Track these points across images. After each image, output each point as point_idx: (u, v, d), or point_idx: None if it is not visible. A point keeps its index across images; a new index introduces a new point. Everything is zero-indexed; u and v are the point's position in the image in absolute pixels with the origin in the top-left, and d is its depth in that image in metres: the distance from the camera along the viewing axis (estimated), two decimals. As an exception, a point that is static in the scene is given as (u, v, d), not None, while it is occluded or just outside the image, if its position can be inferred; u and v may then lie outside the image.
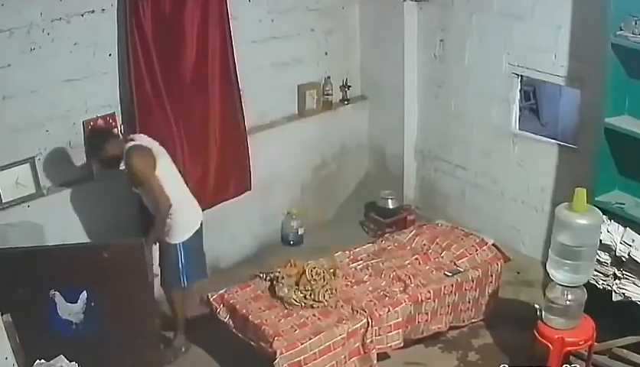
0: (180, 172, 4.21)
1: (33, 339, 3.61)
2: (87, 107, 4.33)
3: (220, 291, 4.16)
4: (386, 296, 4.10)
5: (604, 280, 4.19)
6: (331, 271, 4.25)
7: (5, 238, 3.87)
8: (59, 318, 3.69)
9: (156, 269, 4.10)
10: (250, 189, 5.14)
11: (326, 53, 5.63)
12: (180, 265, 4.11)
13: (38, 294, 3.65)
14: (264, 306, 4.03)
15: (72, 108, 4.27)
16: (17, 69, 3.98)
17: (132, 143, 3.95)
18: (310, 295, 4.03)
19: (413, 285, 4.19)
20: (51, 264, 3.65)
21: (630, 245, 4.06)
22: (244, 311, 3.97)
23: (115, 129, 4.43)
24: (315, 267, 4.19)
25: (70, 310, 3.68)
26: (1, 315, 3.45)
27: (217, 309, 4.10)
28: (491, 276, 4.45)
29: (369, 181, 6.04)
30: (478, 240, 4.60)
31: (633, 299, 4.07)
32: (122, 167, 3.98)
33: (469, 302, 4.38)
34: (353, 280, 4.27)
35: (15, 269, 3.63)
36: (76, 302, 3.67)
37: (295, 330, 3.80)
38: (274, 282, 4.15)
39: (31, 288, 3.63)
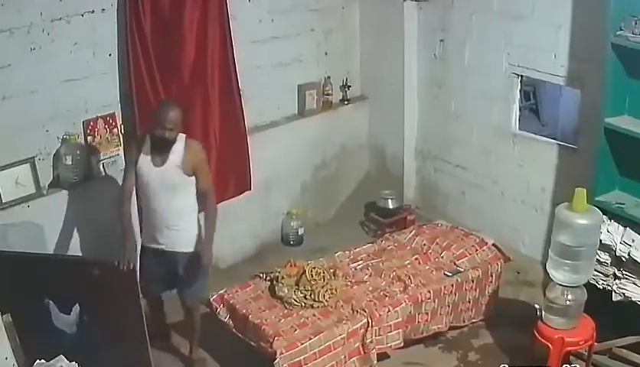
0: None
1: (33, 339, 3.60)
2: (87, 107, 4.34)
3: (220, 291, 4.17)
4: (386, 296, 4.10)
5: (604, 280, 4.19)
6: (331, 271, 4.26)
7: (5, 238, 3.87)
8: (54, 326, 3.67)
9: None
10: (250, 189, 5.14)
11: (326, 53, 5.64)
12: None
13: (35, 300, 3.63)
14: (264, 306, 4.03)
15: (72, 108, 4.27)
16: (18, 69, 3.98)
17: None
18: (310, 295, 4.03)
19: (413, 285, 4.19)
20: (46, 272, 3.62)
21: (630, 245, 4.05)
22: (244, 311, 3.98)
23: (115, 129, 4.45)
24: (315, 267, 4.19)
25: (64, 321, 3.65)
26: (1, 315, 3.45)
27: (217, 309, 4.10)
28: (491, 276, 4.45)
29: (369, 181, 6.04)
30: (478, 240, 4.60)
31: (633, 299, 4.07)
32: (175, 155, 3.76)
33: (469, 302, 4.38)
34: (353, 280, 4.27)
35: (13, 272, 3.62)
36: (70, 313, 3.65)
37: (295, 330, 3.80)
38: (274, 282, 4.15)
39: (29, 293, 3.62)
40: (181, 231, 3.87)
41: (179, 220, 3.86)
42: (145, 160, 3.77)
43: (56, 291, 3.64)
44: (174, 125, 3.68)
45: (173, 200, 3.81)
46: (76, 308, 3.64)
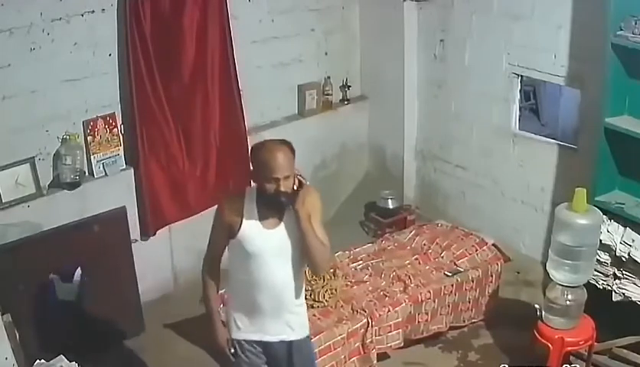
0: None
1: (33, 339, 3.62)
2: (87, 107, 4.34)
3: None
4: (386, 296, 4.10)
5: (604, 280, 4.19)
6: (331, 271, 4.25)
7: (5, 238, 3.88)
8: (57, 301, 3.77)
9: None
10: (251, 189, 5.12)
11: (326, 53, 5.63)
12: None
13: (38, 283, 3.74)
14: (264, 306, 4.03)
15: (72, 108, 4.27)
16: (17, 69, 3.98)
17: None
18: (310, 295, 4.02)
19: (413, 285, 4.19)
20: (49, 248, 3.79)
21: (630, 245, 4.06)
22: (244, 311, 3.97)
23: (115, 129, 4.45)
24: (315, 267, 4.19)
25: (67, 290, 3.81)
26: (1, 315, 3.45)
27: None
28: (491, 276, 4.45)
29: (369, 181, 6.03)
30: (478, 240, 4.60)
31: (633, 299, 4.07)
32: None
33: (469, 302, 4.38)
34: (353, 280, 4.27)
35: (14, 263, 3.69)
36: (72, 281, 3.75)
37: (295, 330, 3.80)
38: (274, 282, 4.15)
39: (31, 279, 3.70)
40: (295, 311, 2.97)
41: (297, 297, 2.95)
42: (250, 225, 2.81)
43: (60, 263, 3.82)
44: (289, 171, 2.73)
45: (291, 270, 2.87)
46: (78, 272, 3.82)
